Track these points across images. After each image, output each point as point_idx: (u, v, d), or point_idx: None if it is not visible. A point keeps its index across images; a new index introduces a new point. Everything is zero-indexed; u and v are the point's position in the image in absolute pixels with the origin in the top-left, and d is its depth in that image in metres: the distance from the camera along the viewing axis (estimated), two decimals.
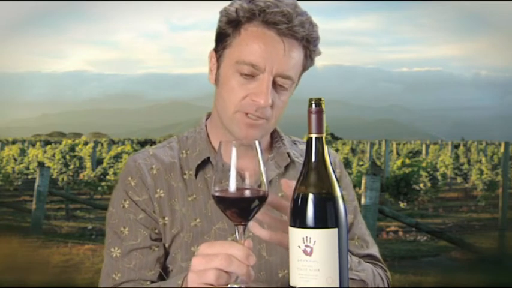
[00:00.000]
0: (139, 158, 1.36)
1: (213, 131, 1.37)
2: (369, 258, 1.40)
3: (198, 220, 1.31)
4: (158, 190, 1.32)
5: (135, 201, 1.31)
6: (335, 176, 1.00)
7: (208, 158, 1.33)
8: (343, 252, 0.98)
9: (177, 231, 1.31)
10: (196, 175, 1.33)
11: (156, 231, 1.32)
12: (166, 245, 1.32)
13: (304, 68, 1.30)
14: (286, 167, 1.37)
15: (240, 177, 1.00)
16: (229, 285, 0.98)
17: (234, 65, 1.24)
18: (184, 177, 1.34)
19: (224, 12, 1.26)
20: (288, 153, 1.37)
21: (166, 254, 1.33)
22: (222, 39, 1.27)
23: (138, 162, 1.34)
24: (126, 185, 1.33)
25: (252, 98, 1.22)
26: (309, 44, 1.25)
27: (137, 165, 1.34)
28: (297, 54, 1.24)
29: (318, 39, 1.27)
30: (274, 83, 1.23)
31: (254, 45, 1.21)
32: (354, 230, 1.41)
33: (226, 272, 0.97)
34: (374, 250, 1.44)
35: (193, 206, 1.32)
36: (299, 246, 0.97)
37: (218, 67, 1.30)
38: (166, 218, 1.31)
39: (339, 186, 1.00)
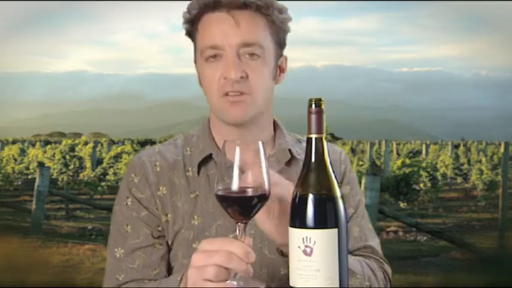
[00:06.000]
0: (145, 155, 1.38)
1: (214, 127, 1.39)
2: (365, 249, 1.40)
3: (199, 217, 1.32)
4: (161, 188, 1.34)
5: (137, 198, 1.33)
6: (335, 176, 1.01)
7: (211, 154, 1.35)
8: (343, 252, 0.98)
9: (179, 228, 1.32)
10: (198, 172, 1.35)
11: (159, 228, 1.33)
12: (169, 242, 1.34)
13: (274, 35, 1.32)
14: (289, 163, 1.38)
15: (242, 176, 1.01)
16: (228, 281, 0.99)
17: (201, 57, 1.30)
18: (187, 174, 1.36)
19: (182, 19, 1.34)
20: (289, 150, 1.38)
21: (170, 251, 1.34)
22: (193, 42, 1.35)
23: (142, 159, 1.37)
24: (129, 181, 1.35)
25: (223, 76, 1.27)
26: (266, 10, 1.28)
27: (141, 162, 1.36)
28: (253, 22, 1.27)
29: (275, 4, 1.29)
30: (241, 56, 1.27)
31: (209, 30, 1.28)
32: (351, 223, 1.41)
33: (225, 268, 0.98)
34: (373, 243, 1.43)
35: (195, 203, 1.33)
36: (299, 247, 0.97)
37: (197, 68, 1.36)
38: (168, 215, 1.33)
39: (339, 187, 1.00)
